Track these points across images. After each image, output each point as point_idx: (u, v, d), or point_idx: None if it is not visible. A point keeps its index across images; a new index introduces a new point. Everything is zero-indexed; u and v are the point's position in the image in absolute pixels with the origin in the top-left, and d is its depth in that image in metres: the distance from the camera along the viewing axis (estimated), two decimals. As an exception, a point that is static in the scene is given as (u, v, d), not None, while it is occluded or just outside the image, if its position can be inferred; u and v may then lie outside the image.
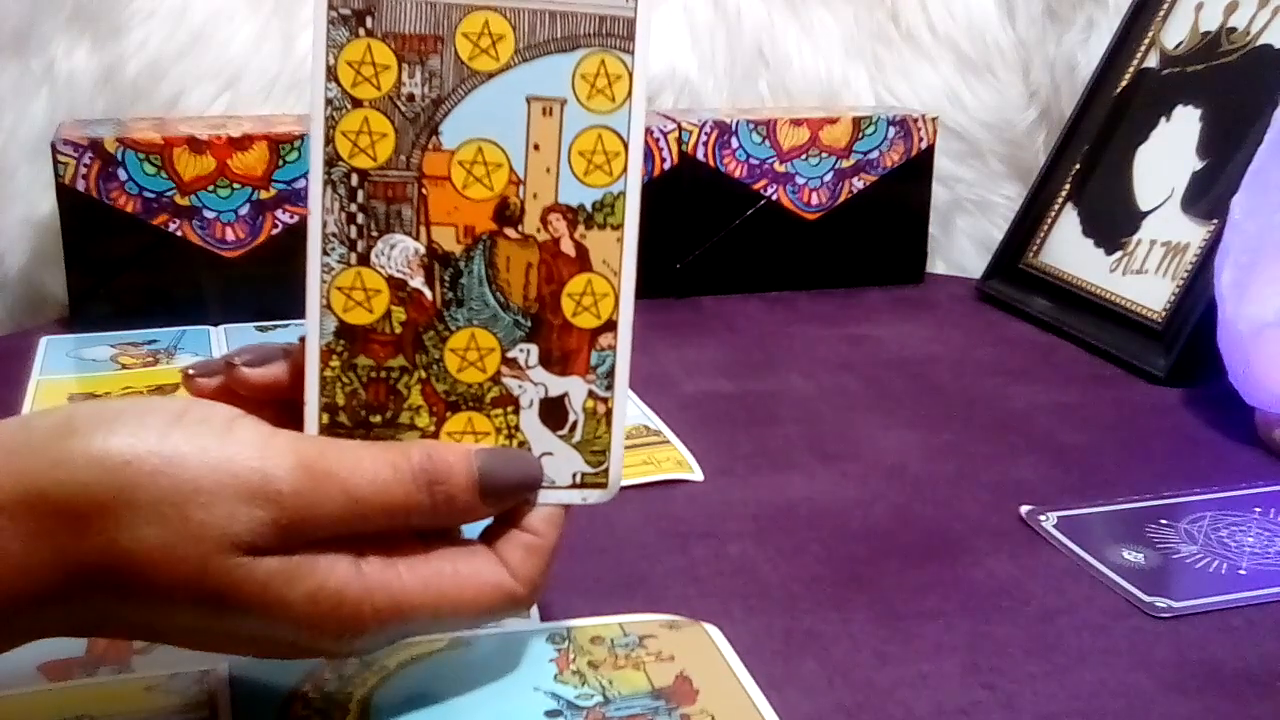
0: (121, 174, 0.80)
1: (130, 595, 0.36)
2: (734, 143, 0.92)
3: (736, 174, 0.93)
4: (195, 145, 0.81)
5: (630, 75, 0.41)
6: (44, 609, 0.36)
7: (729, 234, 0.94)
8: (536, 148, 0.41)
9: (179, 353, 0.78)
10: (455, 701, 0.43)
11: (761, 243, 0.95)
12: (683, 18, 1.01)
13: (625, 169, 0.41)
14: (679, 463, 0.64)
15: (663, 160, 0.91)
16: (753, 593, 0.52)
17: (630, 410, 0.70)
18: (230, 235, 0.84)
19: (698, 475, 0.63)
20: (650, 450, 0.65)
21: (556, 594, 0.51)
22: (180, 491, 0.36)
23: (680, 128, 0.91)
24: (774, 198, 0.94)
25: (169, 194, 0.82)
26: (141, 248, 0.82)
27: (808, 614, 0.51)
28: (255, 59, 0.93)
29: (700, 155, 0.92)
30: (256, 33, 0.93)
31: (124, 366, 0.76)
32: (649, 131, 0.90)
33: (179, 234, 0.83)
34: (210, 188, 0.82)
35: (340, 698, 0.42)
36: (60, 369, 0.76)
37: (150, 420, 0.37)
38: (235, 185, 0.83)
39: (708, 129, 0.91)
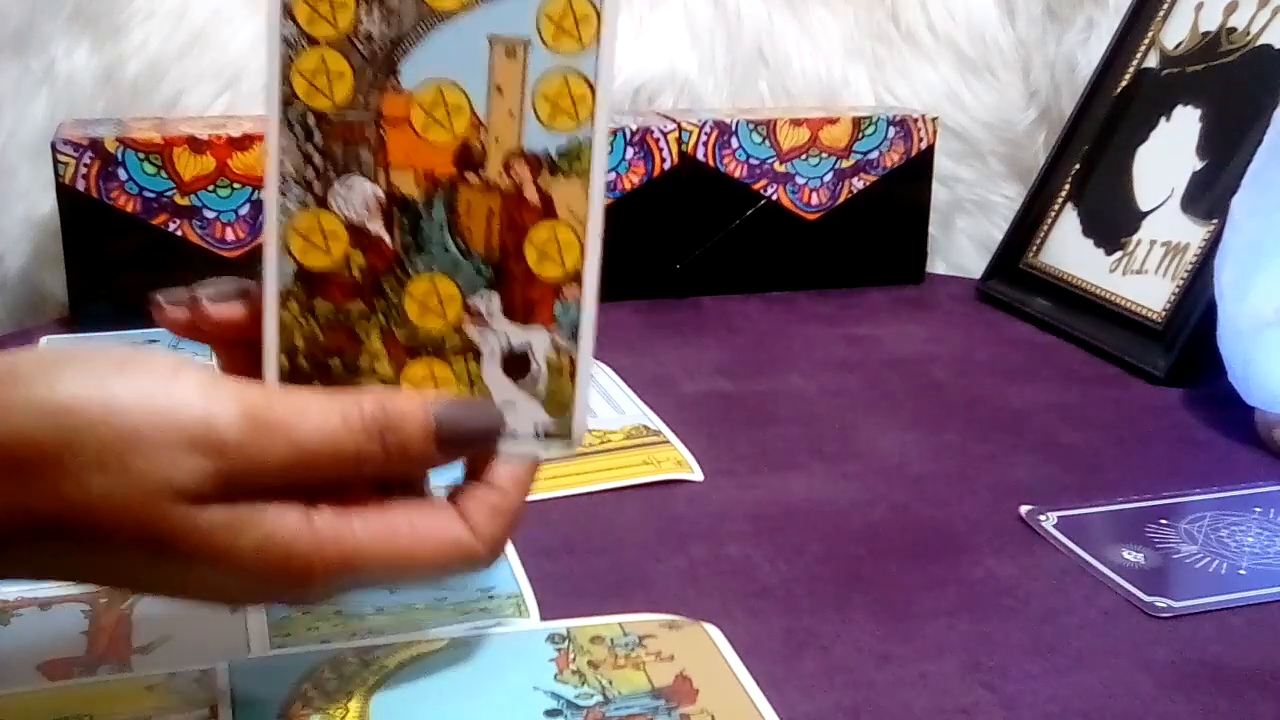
0: (121, 174, 0.80)
1: (78, 542, 0.36)
2: (734, 143, 0.92)
3: (736, 174, 0.93)
4: (195, 145, 0.81)
5: (598, 15, 0.39)
6: None
7: (729, 234, 0.94)
8: (499, 90, 0.40)
9: (178, 353, 0.78)
10: (455, 701, 0.43)
11: (761, 243, 0.95)
12: (683, 18, 1.01)
13: (592, 114, 0.40)
14: (679, 463, 0.64)
15: (663, 160, 0.91)
16: (753, 593, 0.52)
17: (630, 410, 0.70)
18: (230, 235, 0.84)
19: (697, 475, 0.63)
20: (650, 450, 0.65)
21: (556, 594, 0.51)
22: (122, 439, 0.35)
23: (680, 128, 0.91)
24: (774, 198, 0.94)
25: (169, 194, 0.82)
26: (141, 248, 0.82)
27: (808, 614, 0.51)
28: (255, 59, 0.93)
29: (700, 155, 0.92)
30: (256, 33, 0.93)
31: (124, 366, 0.76)
32: (649, 131, 0.90)
33: (179, 234, 0.83)
34: (210, 188, 0.82)
35: (340, 697, 0.42)
36: (60, 369, 0.75)
37: (93, 368, 0.36)
38: (235, 185, 0.83)
39: (708, 129, 0.91)
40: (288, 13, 0.39)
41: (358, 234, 0.40)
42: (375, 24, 0.39)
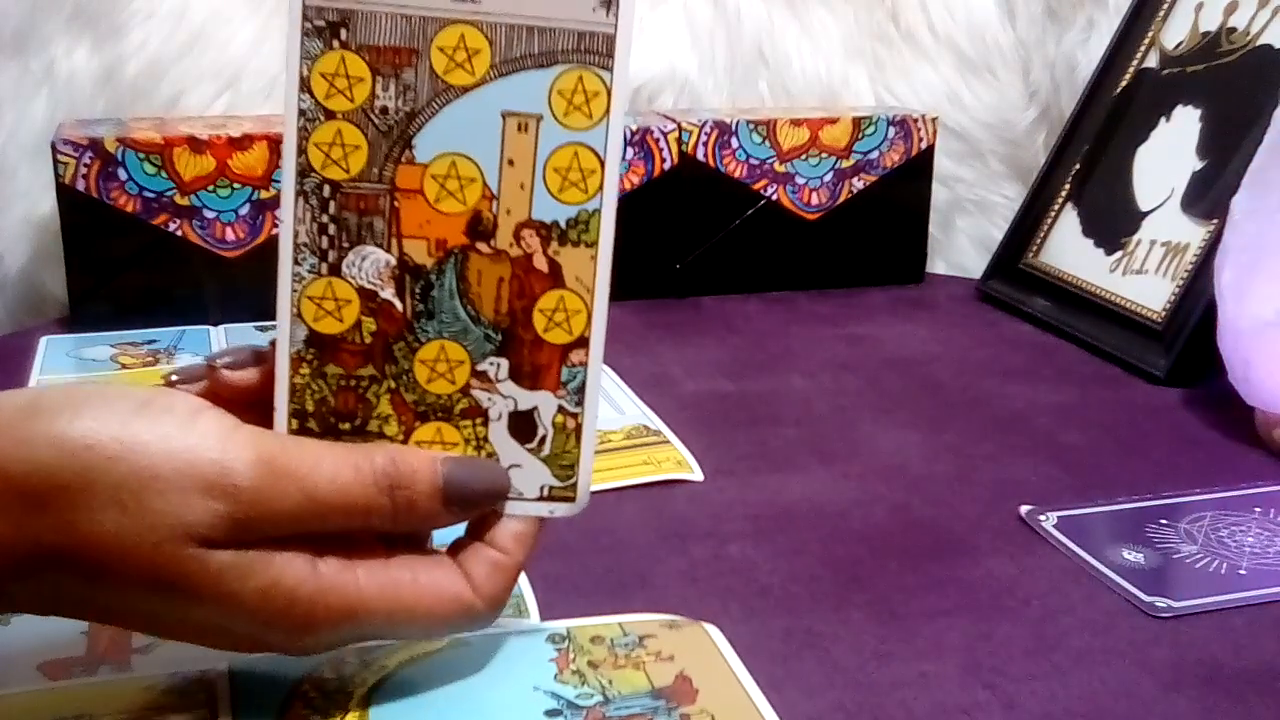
0: (121, 174, 0.80)
1: (87, 577, 0.37)
2: (734, 143, 0.92)
3: (736, 174, 0.93)
4: (195, 145, 0.81)
5: (609, 92, 0.41)
6: (5, 584, 0.37)
7: (729, 234, 0.94)
8: (511, 163, 0.41)
9: (179, 353, 0.78)
10: (455, 701, 0.43)
11: (761, 243, 0.95)
12: (683, 18, 1.01)
13: (601, 186, 0.41)
14: (679, 463, 0.64)
15: (663, 160, 0.91)
16: (753, 593, 0.52)
17: (630, 410, 0.70)
18: (230, 235, 0.84)
19: (698, 475, 0.63)
20: (650, 450, 0.65)
21: (556, 594, 0.51)
22: (139, 478, 0.36)
23: (680, 128, 0.91)
24: (774, 198, 0.94)
25: (169, 194, 0.82)
26: (141, 248, 0.82)
27: (808, 614, 0.51)
28: (255, 59, 0.93)
29: (700, 155, 0.92)
30: (256, 33, 0.93)
31: (124, 366, 0.76)
32: (649, 131, 0.90)
33: (179, 234, 0.83)
34: (210, 188, 0.82)
35: (340, 697, 0.42)
36: (60, 369, 0.76)
37: (115, 406, 0.37)
38: (235, 185, 0.83)
39: (708, 129, 0.91)
40: (305, 87, 0.40)
41: (370, 300, 0.41)
42: (391, 99, 0.40)
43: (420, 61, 0.40)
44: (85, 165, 0.80)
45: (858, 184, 0.96)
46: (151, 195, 0.81)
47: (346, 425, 0.42)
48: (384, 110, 0.40)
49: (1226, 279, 0.69)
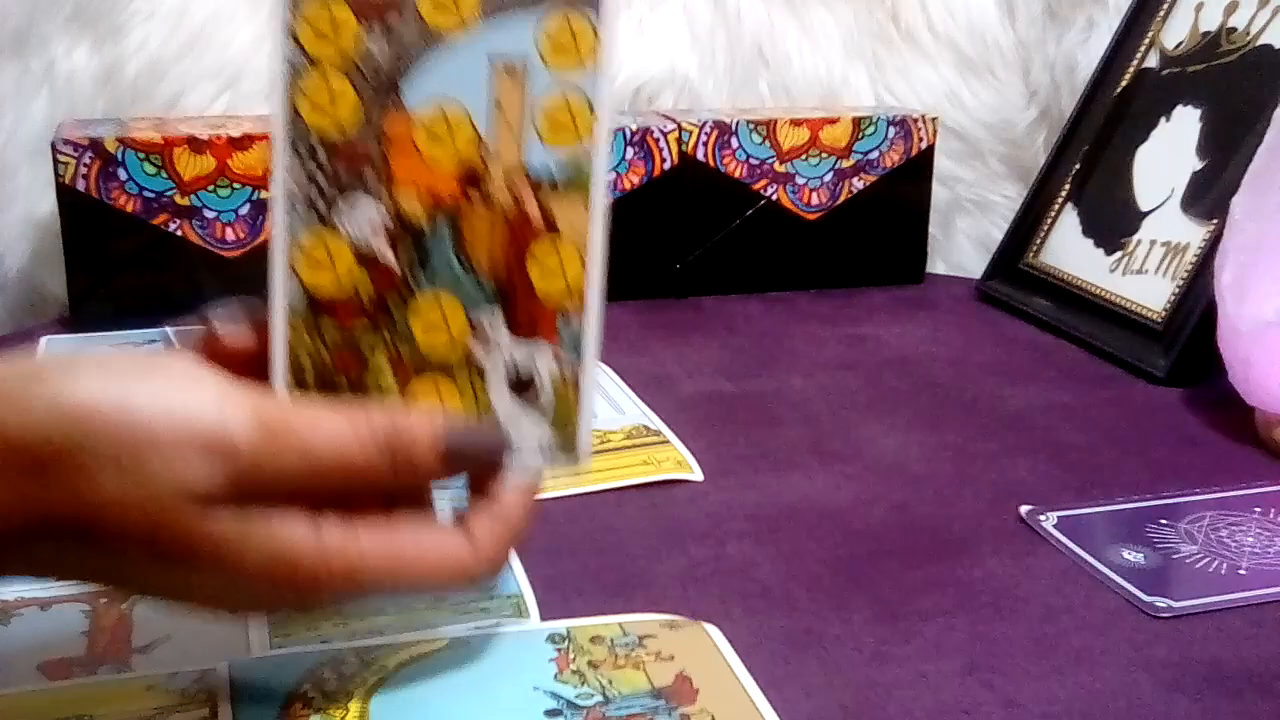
0: (121, 174, 0.81)
1: (89, 542, 0.37)
2: (734, 143, 0.92)
3: (736, 174, 0.93)
4: (195, 145, 0.81)
5: (597, 34, 0.40)
6: (5, 549, 0.37)
7: (729, 234, 0.94)
8: (500, 108, 0.40)
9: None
10: (455, 701, 0.43)
11: (761, 243, 0.95)
12: (683, 18, 1.01)
13: (592, 131, 0.41)
14: (679, 463, 0.64)
15: (663, 160, 0.91)
16: (753, 593, 0.52)
17: (630, 410, 0.70)
18: (230, 235, 0.84)
19: (698, 475, 0.63)
20: (650, 450, 0.65)
21: (556, 594, 0.51)
22: (138, 441, 0.36)
23: (680, 128, 0.91)
24: (774, 198, 0.94)
25: (169, 194, 0.82)
26: (141, 248, 0.82)
27: (808, 614, 0.51)
28: (255, 59, 0.93)
29: (700, 155, 0.92)
30: (256, 33, 0.93)
31: (124, 366, 0.76)
32: (649, 131, 0.90)
33: (179, 234, 0.83)
34: (210, 188, 0.82)
35: (340, 697, 0.42)
36: (60, 369, 0.75)
37: (113, 370, 0.37)
38: (235, 185, 0.83)
39: (708, 129, 0.91)
40: (291, 35, 0.39)
41: (362, 253, 0.41)
42: (376, 43, 0.40)
43: (405, 5, 0.39)
44: (85, 165, 0.80)
45: (858, 184, 0.96)
46: (151, 195, 0.81)
47: (343, 380, 0.41)
48: (370, 56, 0.40)
49: (1226, 279, 0.69)
